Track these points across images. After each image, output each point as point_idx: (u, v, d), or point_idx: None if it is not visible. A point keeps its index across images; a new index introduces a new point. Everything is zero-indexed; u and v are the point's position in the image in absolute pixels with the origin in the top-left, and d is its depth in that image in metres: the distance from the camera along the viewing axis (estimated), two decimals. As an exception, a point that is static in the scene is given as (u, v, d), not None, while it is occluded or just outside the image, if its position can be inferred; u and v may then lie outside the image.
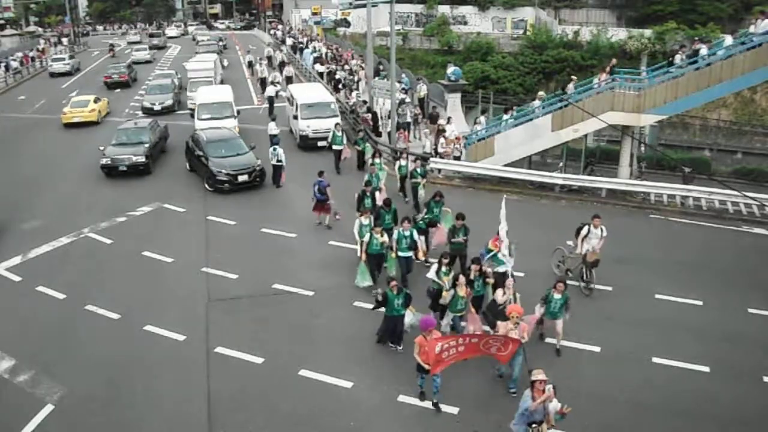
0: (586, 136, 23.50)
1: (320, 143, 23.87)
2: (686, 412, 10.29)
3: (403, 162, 19.17)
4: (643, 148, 25.09)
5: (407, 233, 13.41)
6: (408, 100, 27.24)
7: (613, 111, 21.16)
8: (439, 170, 21.88)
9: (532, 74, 48.60)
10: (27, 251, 16.32)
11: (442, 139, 22.18)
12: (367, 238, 13.53)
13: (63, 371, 11.39)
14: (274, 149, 20.57)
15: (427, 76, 37.69)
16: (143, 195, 20.07)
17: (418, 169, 18.01)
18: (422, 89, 28.90)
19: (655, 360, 11.51)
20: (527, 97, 36.40)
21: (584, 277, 13.78)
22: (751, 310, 13.28)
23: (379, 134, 24.94)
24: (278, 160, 20.49)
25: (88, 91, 35.51)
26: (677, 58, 22.01)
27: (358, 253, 13.80)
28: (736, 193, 18.90)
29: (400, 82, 28.27)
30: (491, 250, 12.68)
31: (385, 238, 13.57)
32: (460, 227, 13.68)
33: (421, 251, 13.96)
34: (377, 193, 16.24)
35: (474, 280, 11.80)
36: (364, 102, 27.42)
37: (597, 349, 11.83)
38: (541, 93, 25.04)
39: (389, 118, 24.26)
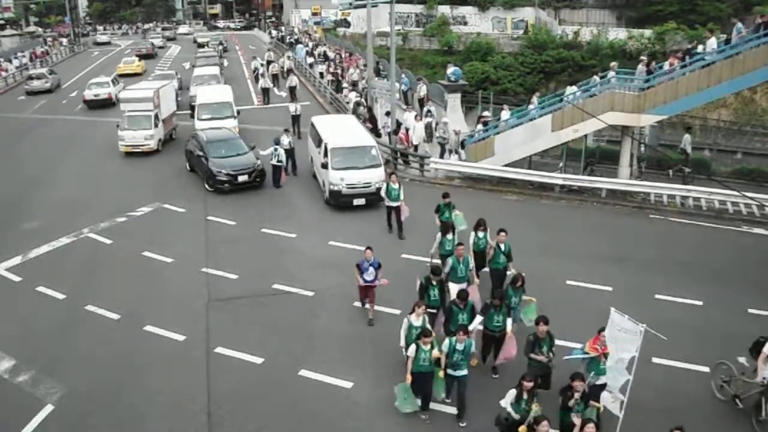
0: (586, 136, 23.47)
1: (356, 201, 18.56)
2: (686, 411, 10.28)
3: (480, 234, 13.66)
4: (643, 148, 25.03)
5: (461, 347, 9.79)
6: (445, 119, 24.11)
7: (613, 111, 21.15)
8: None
9: (532, 74, 48.57)
10: (27, 251, 16.32)
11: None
12: (412, 351, 9.86)
13: (63, 371, 11.39)
14: (275, 149, 20.59)
15: (427, 76, 37.64)
16: (143, 195, 20.06)
17: (502, 245, 12.94)
18: (422, 89, 28.88)
19: (655, 360, 11.48)
20: (527, 97, 36.33)
21: (765, 411, 10.02)
22: (751, 310, 13.28)
23: (378, 135, 24.93)
24: (278, 160, 20.55)
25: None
26: (735, 34, 20.60)
27: (407, 362, 10.03)
28: (736, 193, 18.89)
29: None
30: (588, 353, 9.57)
31: (437, 351, 9.91)
32: (544, 337, 10.00)
33: (475, 359, 10.67)
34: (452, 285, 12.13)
35: (575, 408, 8.83)
36: (359, 103, 27.40)
37: (597, 349, 11.81)
38: (613, 63, 24.63)
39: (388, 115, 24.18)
